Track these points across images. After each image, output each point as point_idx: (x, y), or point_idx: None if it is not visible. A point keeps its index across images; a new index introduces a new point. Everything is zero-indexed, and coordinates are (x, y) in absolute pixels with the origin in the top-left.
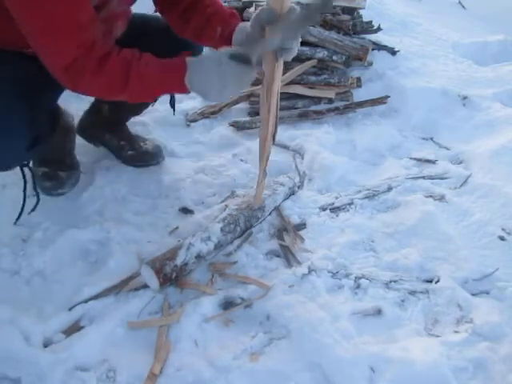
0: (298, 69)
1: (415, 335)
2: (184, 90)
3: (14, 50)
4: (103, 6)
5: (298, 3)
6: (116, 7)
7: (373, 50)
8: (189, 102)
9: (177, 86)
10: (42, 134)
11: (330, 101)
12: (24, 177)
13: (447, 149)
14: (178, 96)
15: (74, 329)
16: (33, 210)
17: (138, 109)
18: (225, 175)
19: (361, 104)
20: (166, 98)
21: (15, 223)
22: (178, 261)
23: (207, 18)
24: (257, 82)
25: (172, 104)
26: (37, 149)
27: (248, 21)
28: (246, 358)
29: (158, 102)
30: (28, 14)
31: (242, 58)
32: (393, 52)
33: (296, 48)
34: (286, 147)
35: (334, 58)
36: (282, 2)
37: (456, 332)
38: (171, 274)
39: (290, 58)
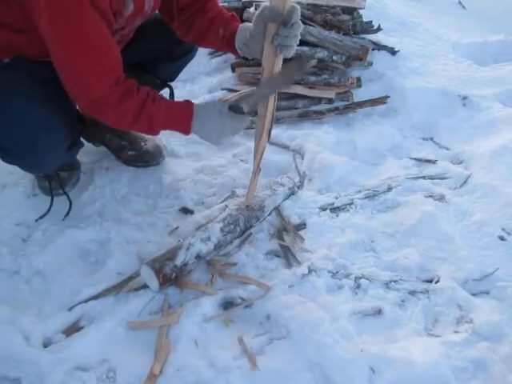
0: None
1: (415, 335)
2: (187, 131)
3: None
4: (125, 27)
5: (299, 3)
6: (135, 24)
7: (373, 50)
8: None
9: (182, 128)
10: (77, 135)
11: (330, 101)
12: (49, 178)
13: (447, 149)
14: (178, 96)
15: (73, 329)
16: (66, 214)
17: None
18: (225, 175)
19: (361, 104)
20: (165, 96)
21: (36, 220)
22: (178, 261)
23: (209, 22)
24: (256, 83)
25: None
26: (75, 149)
27: (248, 21)
28: (246, 358)
29: None
30: (66, 55)
31: (239, 108)
32: (393, 52)
33: (295, 45)
34: (286, 147)
35: (334, 58)
36: (284, 0)
37: (456, 332)
38: (171, 274)
39: (289, 54)
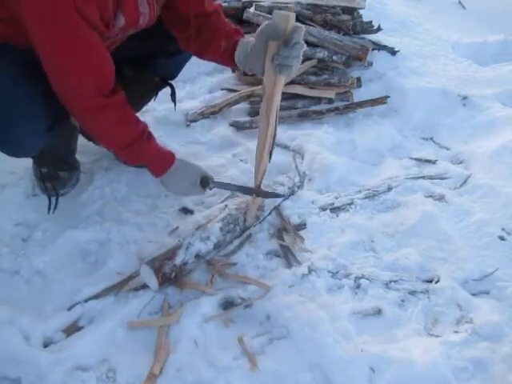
0: (298, 69)
1: (415, 335)
2: (157, 177)
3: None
4: (118, 34)
5: (298, 3)
6: (129, 33)
7: (373, 50)
8: (188, 102)
9: (155, 173)
10: (60, 117)
11: (330, 101)
12: (41, 174)
13: (447, 149)
14: (177, 96)
15: (73, 329)
16: (54, 208)
17: (137, 107)
18: (225, 175)
19: (361, 104)
20: (166, 97)
21: (48, 213)
22: (178, 260)
23: (212, 34)
24: (257, 82)
25: (173, 99)
26: (58, 132)
27: (248, 21)
28: (246, 358)
29: (157, 101)
30: (58, 63)
31: (206, 184)
32: (393, 52)
33: (296, 65)
34: (286, 147)
35: (334, 58)
36: (287, 21)
37: (456, 332)
38: (170, 274)
39: (289, 75)
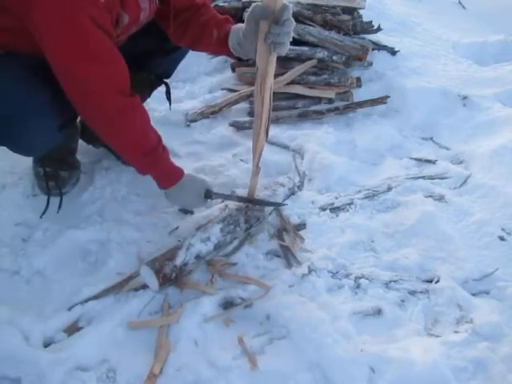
0: (298, 69)
1: (415, 335)
2: (163, 188)
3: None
4: (120, 35)
5: (298, 3)
6: (130, 32)
7: (373, 50)
8: (189, 102)
9: (163, 184)
10: (70, 117)
11: (330, 101)
12: (45, 174)
13: (447, 149)
14: (177, 96)
15: (73, 329)
16: (59, 207)
17: None
18: (225, 175)
19: (361, 104)
20: (164, 96)
21: (41, 217)
22: (178, 261)
23: (203, 25)
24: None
25: (168, 97)
26: (68, 131)
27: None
28: (246, 358)
29: (157, 101)
30: (72, 69)
31: (209, 196)
32: (393, 52)
33: (288, 42)
34: (285, 147)
35: (334, 58)
36: (275, 0)
37: (456, 332)
38: (171, 275)
39: (283, 52)
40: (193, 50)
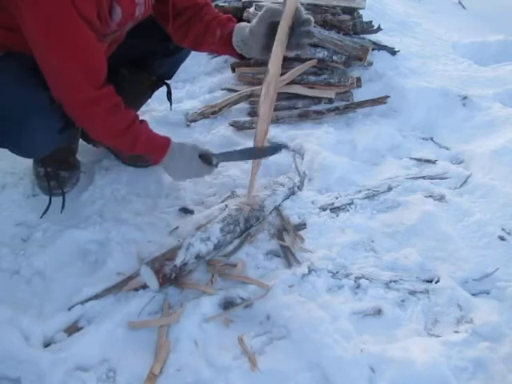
0: (298, 69)
1: (415, 335)
2: (157, 161)
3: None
4: (116, 31)
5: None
6: (127, 28)
7: (373, 50)
8: (188, 102)
9: (155, 156)
10: (71, 119)
11: (330, 101)
12: (48, 174)
13: (447, 149)
14: (177, 96)
15: (73, 329)
16: (62, 207)
17: (134, 107)
18: (225, 175)
19: (361, 104)
20: (164, 96)
21: (41, 217)
22: (178, 261)
23: (206, 25)
24: (257, 82)
25: (169, 98)
26: (68, 133)
27: (248, 21)
28: (246, 358)
29: (157, 101)
30: (50, 58)
31: (208, 159)
32: (393, 52)
33: (308, 42)
34: (285, 147)
35: (334, 58)
36: (297, 1)
37: (456, 332)
38: (170, 275)
39: (304, 52)
40: (195, 50)
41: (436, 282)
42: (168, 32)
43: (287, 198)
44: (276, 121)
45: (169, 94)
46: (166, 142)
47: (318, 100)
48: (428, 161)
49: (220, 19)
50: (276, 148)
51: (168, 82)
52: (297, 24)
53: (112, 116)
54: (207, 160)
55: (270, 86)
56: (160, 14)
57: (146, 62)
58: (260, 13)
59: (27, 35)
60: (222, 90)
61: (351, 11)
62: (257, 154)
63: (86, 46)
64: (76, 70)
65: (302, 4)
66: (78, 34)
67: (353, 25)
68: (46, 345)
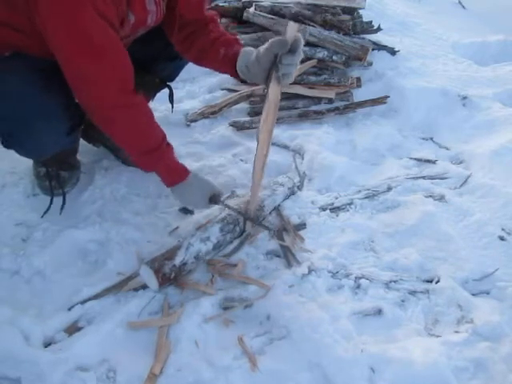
0: (298, 69)
1: (415, 335)
2: (170, 185)
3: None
4: (129, 35)
5: (298, 3)
6: (138, 34)
7: (373, 50)
8: (188, 102)
9: (169, 180)
10: (77, 122)
11: (330, 101)
12: (48, 174)
13: (447, 149)
14: (177, 96)
15: (73, 329)
16: (61, 207)
17: None
18: (225, 175)
19: (361, 104)
20: (166, 97)
21: (42, 217)
22: (177, 261)
23: (212, 41)
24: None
25: (171, 100)
26: (74, 136)
27: (248, 21)
28: (246, 358)
29: (157, 101)
30: (76, 64)
31: (215, 201)
32: (393, 52)
33: (293, 73)
34: (286, 147)
35: (334, 58)
36: (296, 30)
37: (456, 332)
38: (170, 274)
39: (288, 83)
40: (197, 64)
41: (436, 282)
42: (172, 42)
43: (287, 197)
44: (276, 121)
45: (171, 96)
46: (184, 174)
47: (318, 100)
48: (428, 161)
49: (227, 38)
50: (268, 227)
51: (170, 84)
52: (290, 53)
53: (147, 128)
54: (215, 201)
55: (270, 113)
56: (166, 23)
57: (150, 64)
58: (268, 42)
59: (49, 39)
60: (222, 90)
61: (351, 11)
62: (249, 220)
63: (119, 51)
64: (110, 75)
65: (300, 4)
66: (110, 38)
67: (353, 25)
68: (46, 345)
